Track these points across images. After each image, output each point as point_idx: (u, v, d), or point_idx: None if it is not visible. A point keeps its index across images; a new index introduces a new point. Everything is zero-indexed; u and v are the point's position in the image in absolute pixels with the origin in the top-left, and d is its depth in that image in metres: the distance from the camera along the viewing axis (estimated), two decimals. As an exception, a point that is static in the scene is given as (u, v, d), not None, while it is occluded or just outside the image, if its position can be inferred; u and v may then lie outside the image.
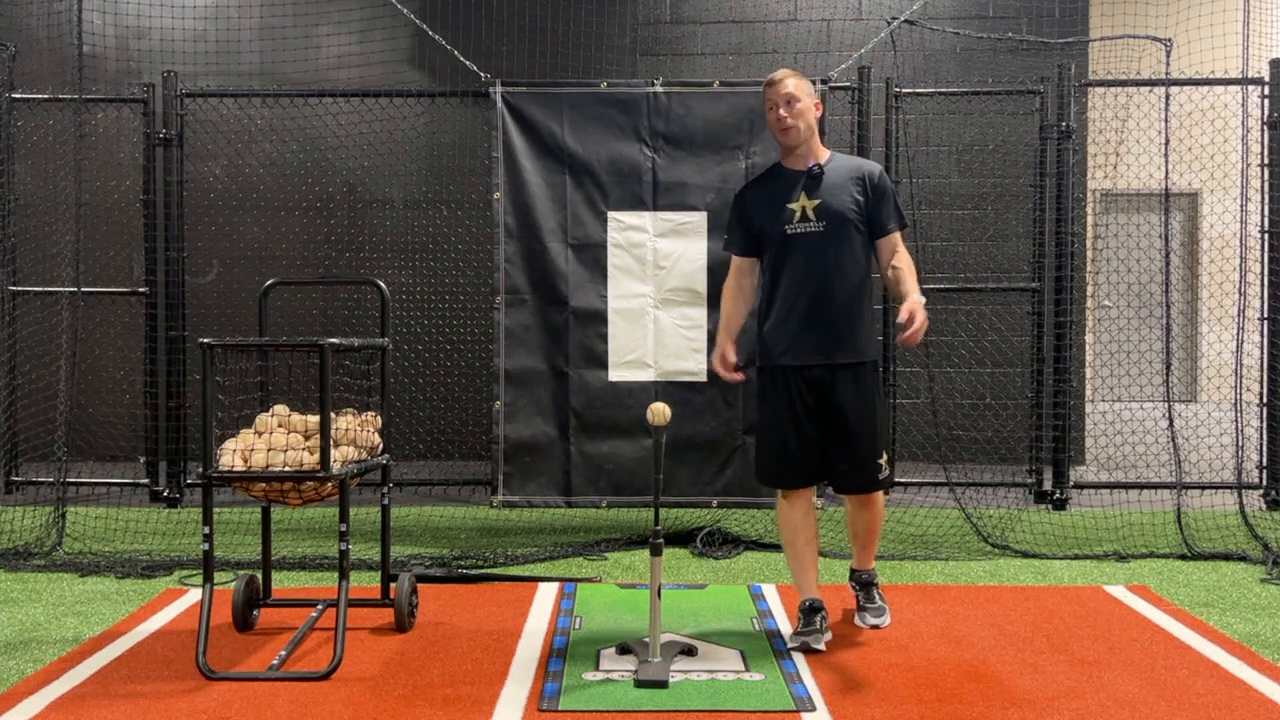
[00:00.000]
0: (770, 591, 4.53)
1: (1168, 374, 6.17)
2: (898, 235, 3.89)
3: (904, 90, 6.48)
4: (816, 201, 3.80)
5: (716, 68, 7.98)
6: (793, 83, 3.83)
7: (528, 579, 4.71)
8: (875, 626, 4.01)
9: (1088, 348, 7.90)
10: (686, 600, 4.39)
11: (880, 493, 3.99)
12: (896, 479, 6.64)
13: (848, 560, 5.07)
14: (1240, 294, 6.14)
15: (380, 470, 4.09)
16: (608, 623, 4.09)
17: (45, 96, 6.68)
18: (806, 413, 3.82)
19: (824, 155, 3.90)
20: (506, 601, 4.38)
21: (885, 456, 3.91)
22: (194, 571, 4.84)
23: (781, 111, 3.81)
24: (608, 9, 7.88)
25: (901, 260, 3.87)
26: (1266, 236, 6.51)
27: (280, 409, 3.82)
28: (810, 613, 3.83)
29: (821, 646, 3.74)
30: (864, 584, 4.11)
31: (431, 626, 4.03)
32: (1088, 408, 8.09)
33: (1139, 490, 6.50)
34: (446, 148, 7.85)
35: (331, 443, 3.60)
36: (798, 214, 3.81)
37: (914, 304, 3.68)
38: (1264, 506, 6.45)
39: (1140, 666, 3.60)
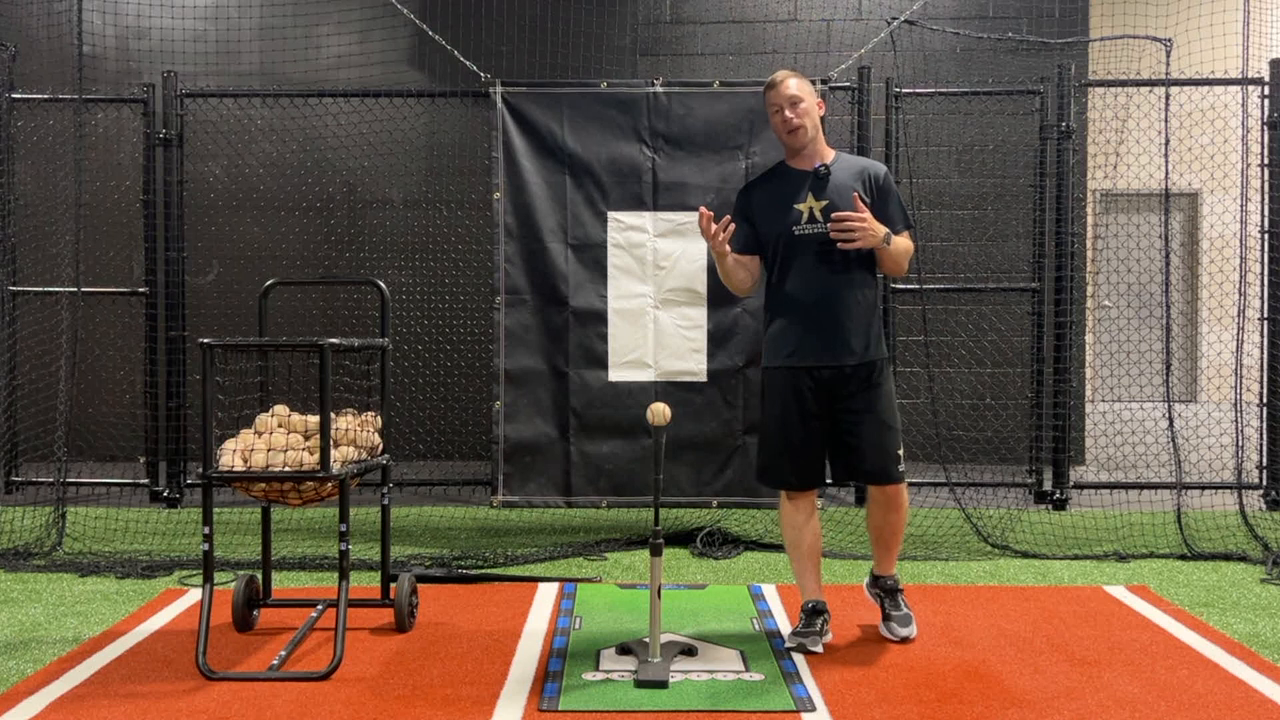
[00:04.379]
0: (770, 591, 4.53)
1: (1168, 374, 6.17)
2: (905, 236, 3.83)
3: (904, 90, 6.47)
4: (824, 203, 3.76)
5: (716, 68, 7.98)
6: (795, 83, 3.80)
7: (528, 579, 4.71)
8: (905, 639, 3.87)
9: (1088, 348, 7.90)
10: (686, 600, 4.39)
11: (904, 492, 3.87)
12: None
13: (847, 561, 5.10)
14: (1240, 294, 6.13)
15: (380, 470, 4.09)
16: (608, 623, 4.09)
17: (45, 96, 6.68)
18: (815, 414, 3.78)
19: (829, 155, 3.87)
20: (506, 601, 4.38)
21: (900, 450, 3.84)
22: (194, 571, 4.84)
23: (787, 113, 3.77)
24: (608, 9, 7.88)
25: None
26: (1266, 236, 6.50)
27: (280, 409, 3.82)
28: (812, 614, 3.80)
29: (818, 649, 3.72)
30: (888, 590, 3.97)
31: (431, 626, 4.03)
32: (1088, 408, 8.09)
33: (1139, 490, 6.50)
34: (446, 148, 7.85)
35: (331, 443, 3.60)
36: (805, 215, 3.77)
37: (866, 218, 3.67)
38: (1264, 506, 6.45)
39: (1140, 666, 3.60)
